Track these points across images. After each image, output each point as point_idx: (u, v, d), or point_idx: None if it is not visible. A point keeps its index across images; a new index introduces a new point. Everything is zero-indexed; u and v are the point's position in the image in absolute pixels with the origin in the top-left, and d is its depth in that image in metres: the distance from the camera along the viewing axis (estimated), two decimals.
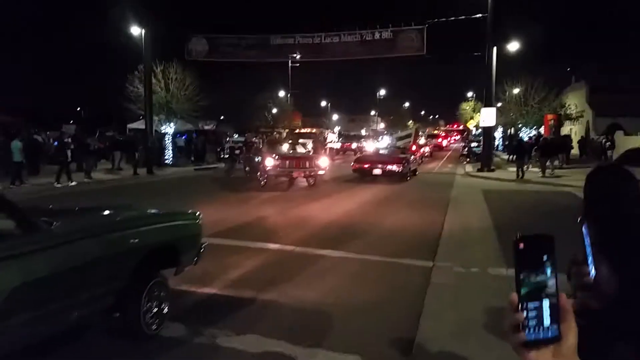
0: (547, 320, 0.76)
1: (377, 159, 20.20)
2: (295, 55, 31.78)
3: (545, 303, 0.76)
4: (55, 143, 23.45)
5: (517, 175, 19.99)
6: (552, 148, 21.09)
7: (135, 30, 24.16)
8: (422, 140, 35.05)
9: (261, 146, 20.29)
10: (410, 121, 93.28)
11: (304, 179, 17.37)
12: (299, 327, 4.93)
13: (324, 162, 17.79)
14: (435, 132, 71.74)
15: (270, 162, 16.42)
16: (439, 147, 50.69)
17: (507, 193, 16.14)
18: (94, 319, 4.25)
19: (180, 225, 5.07)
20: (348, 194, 15.56)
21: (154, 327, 4.45)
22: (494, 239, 8.78)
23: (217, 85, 41.52)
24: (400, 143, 27.09)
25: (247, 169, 19.60)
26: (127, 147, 22.75)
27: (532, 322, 0.76)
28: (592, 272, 0.95)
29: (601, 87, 38.20)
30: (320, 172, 17.31)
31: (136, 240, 4.29)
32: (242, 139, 31.36)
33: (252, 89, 50.77)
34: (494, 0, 21.93)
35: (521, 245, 0.76)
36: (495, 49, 23.61)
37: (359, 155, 24.76)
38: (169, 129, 27.43)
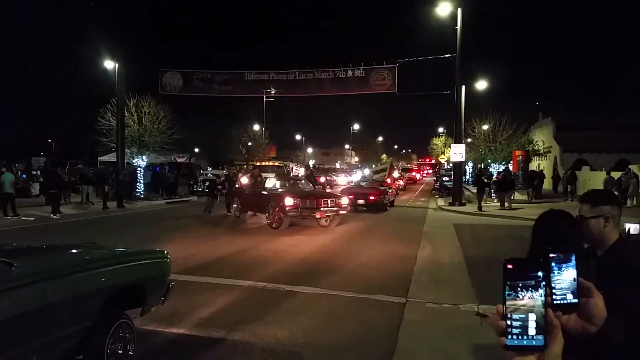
0: (532, 331, 0.89)
1: (360, 191, 22.01)
2: (269, 90, 32.14)
3: (531, 316, 0.89)
4: (24, 176, 22.92)
5: (478, 207, 21.33)
6: (507, 183, 22.57)
7: (109, 64, 24.13)
8: (396, 174, 35.53)
9: (242, 181, 19.50)
10: (384, 155, 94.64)
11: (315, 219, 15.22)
12: None
13: (345, 200, 16.15)
14: (409, 166, 72.97)
15: (290, 201, 14.57)
16: (412, 181, 51.59)
17: (478, 227, 16.37)
18: None
19: (147, 264, 4.95)
20: (322, 228, 15.49)
21: None
22: (465, 274, 8.85)
23: (191, 119, 41.60)
24: (376, 176, 27.63)
25: (234, 206, 17.79)
26: (97, 180, 22.37)
27: (516, 331, 0.90)
28: (570, 298, 1.00)
29: (567, 124, 39.66)
30: (342, 212, 15.76)
31: (101, 281, 4.17)
32: (220, 172, 31.12)
33: (226, 122, 51.08)
34: (462, 41, 22.72)
35: (509, 266, 0.92)
36: (463, 87, 24.35)
37: (342, 188, 25.65)
38: (141, 162, 27.13)
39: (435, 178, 39.16)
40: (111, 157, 27.35)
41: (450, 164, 30.18)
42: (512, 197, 22.54)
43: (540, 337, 0.89)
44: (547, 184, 31.92)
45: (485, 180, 26.40)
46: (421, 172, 70.03)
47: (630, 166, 24.00)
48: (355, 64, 28.26)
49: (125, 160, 25.07)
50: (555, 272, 0.99)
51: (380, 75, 27.62)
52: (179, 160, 36.46)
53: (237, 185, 19.29)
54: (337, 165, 67.03)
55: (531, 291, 0.90)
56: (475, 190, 23.34)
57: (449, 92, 24.43)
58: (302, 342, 5.50)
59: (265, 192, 16.21)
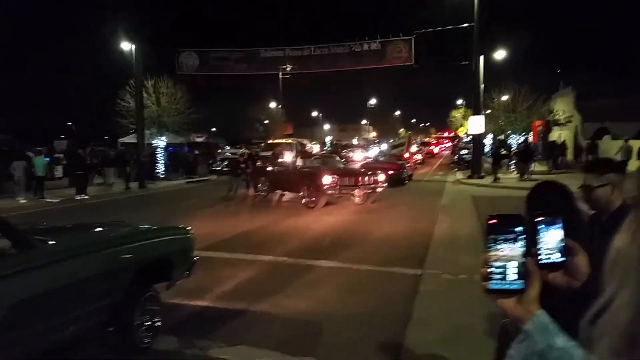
0: (512, 276, 1.00)
1: (378, 165, 21.70)
2: (285, 67, 32.05)
3: (511, 264, 0.99)
4: (47, 159, 23.47)
5: (494, 178, 21.50)
6: (527, 154, 22.52)
7: (126, 46, 24.31)
8: (414, 148, 35.35)
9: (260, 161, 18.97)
10: (402, 129, 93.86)
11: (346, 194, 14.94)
12: (291, 337, 5.04)
13: (382, 177, 15.89)
14: (427, 139, 72.31)
15: (328, 179, 14.32)
16: (430, 154, 51.19)
17: (496, 198, 16.33)
18: (88, 333, 4.34)
19: (172, 240, 5.16)
20: (343, 202, 15.59)
21: (146, 340, 4.54)
22: (482, 245, 8.91)
23: (208, 98, 41.71)
24: (395, 151, 27.64)
25: (260, 185, 17.16)
26: (118, 161, 22.80)
27: (497, 277, 1.00)
28: (557, 257, 1.10)
29: (589, 93, 38.70)
30: (379, 190, 15.57)
31: (129, 256, 4.39)
32: (238, 151, 31.17)
33: (243, 101, 51.02)
34: (480, 10, 22.29)
35: (491, 221, 1.04)
36: (482, 57, 23.95)
37: (362, 163, 25.44)
38: (160, 142, 27.50)
39: (453, 151, 38.81)
40: (131, 139, 27.78)
41: (469, 137, 29.90)
42: (532, 168, 22.38)
43: (519, 281, 0.99)
44: (569, 155, 31.46)
45: (504, 152, 26.34)
46: (440, 146, 69.38)
47: None
48: (371, 37, 27.98)
49: (145, 141, 25.45)
50: (543, 233, 1.09)
51: (397, 48, 27.33)
52: (198, 139, 36.84)
53: (259, 164, 18.77)
54: (355, 141, 66.80)
55: (512, 243, 1.00)
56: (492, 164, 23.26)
57: (467, 62, 24.09)
58: (321, 312, 5.71)
59: (299, 170, 15.82)
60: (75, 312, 3.80)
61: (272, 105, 50.23)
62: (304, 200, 14.68)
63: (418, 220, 12.17)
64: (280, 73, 36.00)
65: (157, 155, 26.23)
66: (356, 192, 14.79)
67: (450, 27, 24.39)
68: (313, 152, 18.01)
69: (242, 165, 19.43)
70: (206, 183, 25.16)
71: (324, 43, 29.40)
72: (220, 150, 36.29)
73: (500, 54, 28.59)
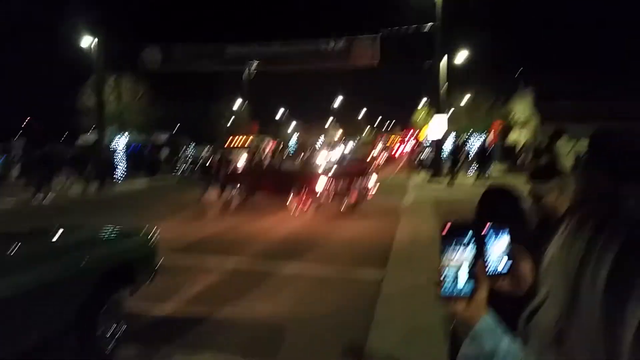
0: (462, 282, 1.08)
1: (346, 165, 21.60)
2: (251, 63, 31.78)
3: (462, 270, 1.07)
4: (3, 157, 22.65)
5: (450, 179, 22.00)
6: (485, 156, 23.37)
7: (87, 41, 23.69)
8: (379, 147, 35.83)
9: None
10: (367, 128, 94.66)
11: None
12: (254, 342, 5.09)
13: (374, 178, 15.59)
14: (392, 138, 73.23)
15: (323, 182, 13.69)
16: (395, 153, 52.00)
17: (456, 199, 16.73)
18: (51, 340, 4.27)
19: (135, 243, 5.12)
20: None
21: (110, 347, 4.51)
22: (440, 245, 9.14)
23: (172, 95, 41.00)
24: (360, 150, 27.91)
25: (234, 189, 15.86)
26: (77, 161, 22.20)
27: (449, 283, 1.08)
28: (503, 265, 1.17)
29: (547, 94, 39.93)
30: (372, 192, 15.16)
31: (92, 261, 4.33)
32: (203, 150, 30.39)
33: (208, 98, 50.39)
34: (443, 11, 22.74)
35: (445, 229, 1.11)
36: (445, 58, 24.45)
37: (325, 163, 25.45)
38: (122, 140, 26.95)
39: (417, 151, 39.49)
40: (92, 137, 27.10)
41: (431, 137, 30.50)
42: (490, 169, 23.04)
43: (468, 286, 1.08)
44: (528, 155, 32.48)
45: (465, 152, 26.97)
46: (404, 145, 70.41)
47: None
48: (337, 36, 28.13)
49: (106, 140, 24.88)
50: (490, 242, 1.16)
51: (363, 47, 27.55)
52: (160, 137, 36.19)
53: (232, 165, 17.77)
54: (321, 140, 66.97)
55: (462, 250, 1.09)
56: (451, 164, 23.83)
57: (430, 62, 24.52)
58: (284, 315, 5.79)
59: (285, 172, 15.17)
60: (37, 319, 3.77)
61: (238, 102, 49.84)
62: (294, 204, 13.97)
63: (380, 222, 12.36)
64: (247, 70, 35.73)
65: (119, 154, 25.67)
66: (352, 195, 14.17)
67: (414, 26, 24.76)
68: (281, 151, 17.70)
69: (214, 168, 18.20)
70: (170, 182, 24.80)
71: (291, 40, 29.35)
72: (185, 148, 35.78)
73: (462, 55, 29.26)
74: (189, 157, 29.78)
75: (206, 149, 30.22)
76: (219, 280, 7.29)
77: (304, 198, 13.86)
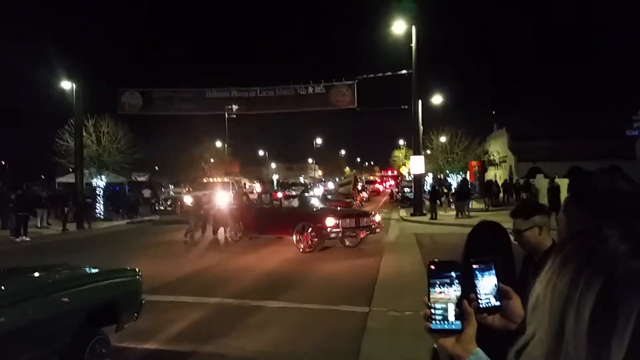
0: (452, 317, 1.10)
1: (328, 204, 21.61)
2: (231, 107, 32.16)
3: (451, 306, 1.10)
4: None
5: (431, 216, 22.35)
6: (463, 193, 23.78)
7: (66, 85, 23.77)
8: (360, 186, 36.15)
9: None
10: (347, 168, 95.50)
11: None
12: None
13: (378, 217, 15.22)
14: (372, 178, 73.98)
15: (331, 221, 13.27)
16: (376, 192, 52.41)
17: (437, 235, 16.92)
18: None
19: (120, 282, 5.14)
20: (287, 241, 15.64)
21: None
22: (426, 281, 9.20)
23: (151, 137, 41.06)
24: (342, 189, 28.06)
25: (228, 228, 15.97)
26: (55, 201, 21.82)
27: (438, 317, 1.10)
28: (493, 301, 1.19)
29: (522, 134, 41.21)
30: (378, 230, 14.57)
31: (78, 300, 4.36)
32: (181, 190, 30.09)
33: (188, 140, 50.43)
34: (417, 58, 23.57)
35: (432, 267, 1.14)
36: (420, 102, 25.18)
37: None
38: (100, 182, 26.68)
39: (397, 189, 39.95)
40: (69, 178, 26.79)
41: (411, 175, 31.03)
42: (469, 206, 23.43)
43: (458, 322, 1.10)
44: (504, 193, 33.12)
45: (445, 190, 27.50)
46: (384, 184, 71.10)
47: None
48: (315, 81, 28.81)
49: (84, 181, 24.60)
50: (479, 279, 1.20)
51: (340, 92, 28.24)
52: (139, 179, 35.93)
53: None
54: (301, 180, 67.28)
55: (447, 286, 1.11)
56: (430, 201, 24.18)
57: (407, 106, 25.19)
58: (269, 353, 5.73)
59: (288, 211, 14.75)
60: (24, 356, 3.75)
61: (218, 144, 50.02)
62: (300, 244, 13.54)
63: (364, 258, 12.40)
64: (226, 113, 36.10)
65: (97, 195, 25.34)
66: (360, 234, 13.90)
67: (389, 73, 25.56)
68: (256, 191, 17.67)
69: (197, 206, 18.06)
70: (149, 224, 24.49)
71: (270, 85, 29.96)
72: (163, 189, 35.52)
73: (437, 99, 30.20)
74: (168, 198, 29.52)
75: (185, 190, 30.06)
76: (202, 317, 7.18)
77: (310, 236, 13.53)
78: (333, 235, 13.40)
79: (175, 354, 5.73)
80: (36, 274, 4.74)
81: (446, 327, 1.10)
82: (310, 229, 13.53)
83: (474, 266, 1.20)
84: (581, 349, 0.66)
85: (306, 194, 20.04)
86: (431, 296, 1.13)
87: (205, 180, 29.48)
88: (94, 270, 5.28)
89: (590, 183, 1.45)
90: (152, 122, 39.04)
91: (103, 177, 27.01)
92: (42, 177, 34.22)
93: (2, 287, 3.78)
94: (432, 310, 1.12)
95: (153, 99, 30.45)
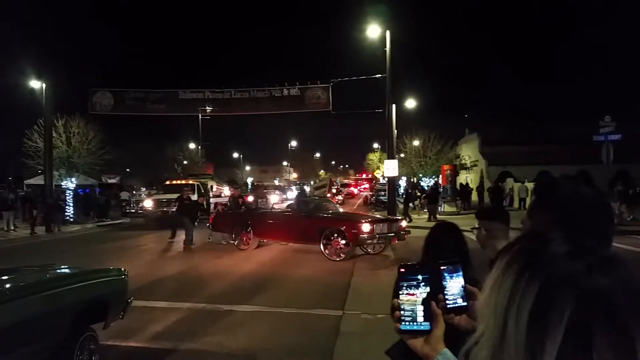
0: (420, 318, 1.15)
1: None
2: (204, 108, 31.84)
3: (419, 308, 1.15)
4: None
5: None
6: (434, 197, 24.30)
7: (35, 84, 23.23)
8: (335, 189, 36.32)
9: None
10: (322, 171, 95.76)
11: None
12: None
13: (404, 223, 14.69)
14: (346, 181, 74.35)
15: (367, 227, 12.53)
16: (350, 195, 52.74)
17: (410, 238, 17.09)
18: None
19: (108, 281, 5.33)
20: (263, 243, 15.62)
21: None
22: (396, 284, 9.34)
23: (123, 138, 40.40)
24: (317, 192, 28.05)
25: (238, 233, 14.63)
26: (23, 204, 21.26)
27: (408, 319, 1.14)
28: (460, 302, 1.23)
29: (492, 139, 41.98)
30: (405, 237, 13.80)
31: (70, 297, 4.58)
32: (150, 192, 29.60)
33: (161, 141, 49.84)
34: (391, 62, 23.81)
35: (402, 270, 1.19)
36: (394, 106, 25.42)
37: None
38: (70, 184, 26.13)
39: (371, 193, 40.26)
40: (38, 180, 26.17)
41: (385, 179, 31.32)
42: (441, 209, 23.83)
43: (426, 323, 1.15)
44: (475, 196, 33.70)
45: (418, 194, 27.88)
46: (358, 187, 71.53)
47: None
48: (290, 83, 28.79)
49: (54, 183, 24.07)
50: (447, 280, 1.23)
51: (315, 94, 28.29)
52: (110, 181, 35.33)
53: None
54: (276, 182, 67.15)
55: (416, 288, 1.16)
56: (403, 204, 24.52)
57: (380, 110, 25.41)
58: (242, 355, 5.78)
59: (312, 216, 13.72)
60: (16, 352, 3.91)
61: (192, 146, 49.54)
62: (326, 252, 12.72)
63: (338, 261, 12.46)
64: (200, 115, 35.73)
65: (67, 198, 24.81)
66: (393, 239, 13.34)
67: (364, 77, 25.75)
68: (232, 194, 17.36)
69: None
70: (119, 226, 24.09)
71: (243, 87, 29.77)
72: (134, 192, 34.94)
73: (411, 103, 30.60)
74: (140, 201, 29.08)
75: (157, 192, 29.57)
76: (176, 322, 7.15)
77: (341, 244, 12.68)
78: (369, 242, 12.73)
79: (161, 348, 6.02)
80: (29, 273, 4.95)
81: (415, 327, 1.15)
82: (339, 235, 12.67)
83: (442, 267, 1.23)
84: (520, 349, 0.69)
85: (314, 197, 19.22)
86: (400, 298, 1.17)
87: (168, 183, 27.94)
88: (85, 269, 5.51)
89: (553, 187, 1.51)
90: (123, 123, 38.47)
91: (73, 179, 26.49)
92: (10, 178, 33.27)
93: None
94: (402, 312, 1.16)
95: (125, 99, 29.88)
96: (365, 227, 12.45)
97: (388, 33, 23.38)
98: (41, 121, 24.29)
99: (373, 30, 23.64)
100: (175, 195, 18.60)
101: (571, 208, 1.38)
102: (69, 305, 4.57)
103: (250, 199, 18.48)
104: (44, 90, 23.05)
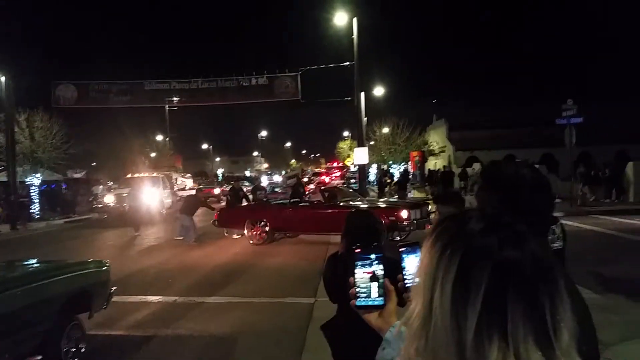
0: (375, 294, 1.23)
1: (275, 196, 22.43)
2: (172, 99, 31.38)
3: (374, 284, 1.22)
4: None
5: None
6: (403, 183, 24.98)
7: None
8: (306, 178, 36.47)
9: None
10: (293, 160, 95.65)
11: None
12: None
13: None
14: (318, 170, 74.46)
15: (405, 214, 12.14)
16: (322, 184, 52.87)
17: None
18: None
19: (92, 272, 5.52)
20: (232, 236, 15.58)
21: None
22: (352, 264, 9.52)
23: (88, 132, 39.42)
24: (290, 181, 28.21)
25: (251, 226, 13.71)
26: None
27: (363, 295, 1.22)
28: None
29: (460, 124, 42.62)
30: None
31: (57, 288, 4.79)
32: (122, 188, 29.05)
33: (127, 134, 48.83)
34: (359, 49, 23.90)
35: (356, 250, 1.27)
36: (363, 93, 25.56)
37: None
38: (34, 180, 25.46)
39: (342, 181, 40.51)
40: (1, 177, 25.37)
41: (356, 167, 31.55)
42: (410, 195, 24.25)
43: (380, 298, 1.23)
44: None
45: (389, 180, 28.22)
46: (330, 175, 71.76)
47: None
48: (258, 73, 28.62)
49: (18, 179, 23.39)
50: (405, 260, 1.29)
51: (284, 84, 28.21)
52: (76, 175, 34.49)
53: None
54: (247, 173, 66.75)
55: (369, 267, 1.24)
56: (378, 191, 24.83)
57: (349, 98, 25.52)
58: (215, 345, 5.89)
59: (343, 205, 13.21)
60: (8, 339, 4.11)
61: (159, 138, 48.78)
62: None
63: (310, 248, 12.58)
64: (167, 106, 35.18)
65: (31, 194, 24.17)
66: (427, 225, 12.47)
67: (332, 65, 25.79)
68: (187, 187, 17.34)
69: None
70: (87, 222, 23.64)
71: (211, 77, 29.44)
72: (101, 186, 34.20)
73: (379, 90, 30.80)
74: (107, 195, 28.54)
75: (106, 187, 29.03)
76: (148, 314, 7.17)
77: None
78: (408, 228, 12.36)
79: (144, 335, 6.27)
80: (17, 266, 5.20)
81: (370, 303, 1.23)
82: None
83: (401, 250, 1.31)
84: (446, 320, 0.76)
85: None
86: (356, 276, 1.25)
87: (130, 176, 27.26)
88: (70, 261, 5.80)
89: (497, 170, 1.62)
90: (88, 116, 37.62)
91: (38, 174, 25.81)
92: None
93: None
94: (357, 289, 1.24)
95: (89, 92, 29.23)
96: (404, 214, 12.20)
97: (355, 20, 23.41)
98: (2, 115, 23.49)
99: (340, 18, 23.65)
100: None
101: (513, 189, 1.51)
102: (57, 295, 4.78)
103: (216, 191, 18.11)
104: (3, 84, 22.28)
